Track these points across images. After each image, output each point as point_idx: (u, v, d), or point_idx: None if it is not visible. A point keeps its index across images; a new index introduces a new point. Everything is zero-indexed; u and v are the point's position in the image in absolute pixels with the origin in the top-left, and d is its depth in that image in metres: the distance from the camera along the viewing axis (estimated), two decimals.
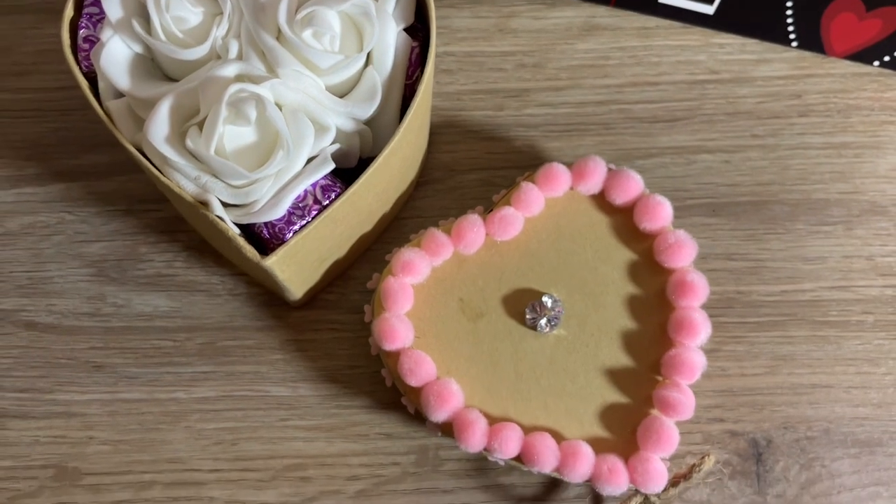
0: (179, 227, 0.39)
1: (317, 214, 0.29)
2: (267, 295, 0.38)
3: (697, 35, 0.44)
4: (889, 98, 0.42)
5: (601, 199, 0.36)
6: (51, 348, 0.37)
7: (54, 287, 0.38)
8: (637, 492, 0.34)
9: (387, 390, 0.36)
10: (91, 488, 0.35)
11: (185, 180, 0.27)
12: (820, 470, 0.36)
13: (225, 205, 0.28)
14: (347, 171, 0.31)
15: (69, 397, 0.36)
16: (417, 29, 0.32)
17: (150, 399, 0.36)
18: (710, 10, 0.42)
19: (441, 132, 0.41)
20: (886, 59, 0.42)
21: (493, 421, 0.33)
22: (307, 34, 0.28)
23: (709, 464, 0.34)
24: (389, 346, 0.33)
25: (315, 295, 0.37)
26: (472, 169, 0.40)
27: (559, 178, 0.35)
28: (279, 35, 0.28)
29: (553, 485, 0.35)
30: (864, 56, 0.43)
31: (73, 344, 0.37)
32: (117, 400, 0.36)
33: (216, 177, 0.27)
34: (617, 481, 0.32)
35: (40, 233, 0.38)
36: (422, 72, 0.31)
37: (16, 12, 0.41)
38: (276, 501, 0.35)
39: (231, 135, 0.27)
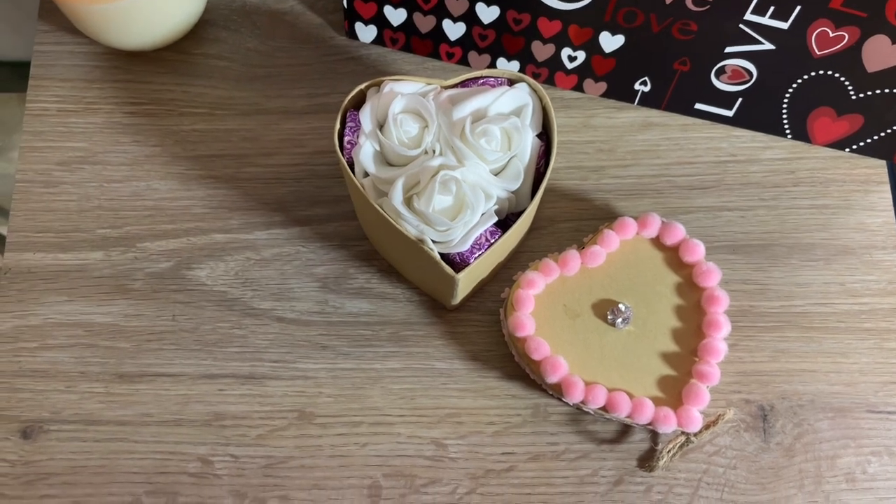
0: (374, 256, 0.51)
1: (487, 248, 0.44)
2: (431, 301, 0.50)
3: (721, 129, 0.54)
4: (856, 174, 0.53)
5: (657, 241, 0.49)
6: (293, 334, 0.49)
7: (294, 294, 0.50)
8: (682, 432, 0.46)
9: (512, 365, 0.48)
10: (321, 425, 0.47)
11: (410, 227, 0.44)
12: (807, 427, 0.47)
13: (433, 241, 0.44)
14: (500, 222, 0.46)
15: (306, 366, 0.48)
16: (541, 134, 0.48)
17: (357, 368, 0.48)
18: (730, 113, 0.53)
19: (546, 195, 0.52)
20: (854, 147, 0.53)
21: (586, 383, 0.46)
22: (482, 141, 0.44)
23: (729, 414, 0.46)
24: (520, 334, 0.46)
25: (464, 302, 0.49)
26: (566, 220, 0.52)
27: (629, 227, 0.48)
28: (464, 140, 0.44)
29: (624, 431, 0.47)
30: (838, 145, 0.53)
31: (308, 332, 0.49)
32: (337, 368, 0.48)
33: (429, 225, 0.44)
34: (669, 423, 0.45)
35: (285, 259, 0.51)
36: (546, 161, 0.47)
37: (260, 113, 0.54)
38: (441, 436, 0.47)
39: (439, 200, 0.43)
